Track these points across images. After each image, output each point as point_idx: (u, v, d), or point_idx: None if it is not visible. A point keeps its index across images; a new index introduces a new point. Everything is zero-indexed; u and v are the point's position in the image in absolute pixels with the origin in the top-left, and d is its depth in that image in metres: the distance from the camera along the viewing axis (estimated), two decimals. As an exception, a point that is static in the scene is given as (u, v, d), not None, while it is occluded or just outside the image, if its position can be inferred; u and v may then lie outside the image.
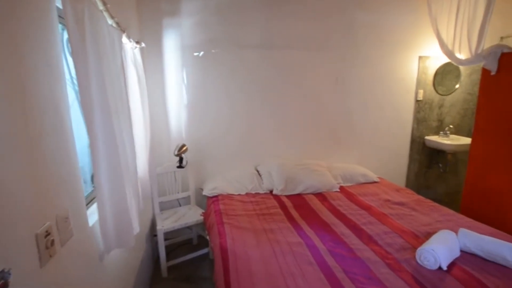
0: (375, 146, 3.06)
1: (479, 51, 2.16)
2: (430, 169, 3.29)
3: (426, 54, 2.95)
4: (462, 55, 2.37)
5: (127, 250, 1.54)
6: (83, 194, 1.02)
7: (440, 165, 3.26)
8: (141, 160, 1.78)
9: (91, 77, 0.94)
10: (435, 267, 1.35)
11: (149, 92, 2.33)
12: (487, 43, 2.19)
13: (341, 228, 1.80)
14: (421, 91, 3.03)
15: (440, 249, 1.37)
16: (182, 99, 2.49)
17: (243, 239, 1.66)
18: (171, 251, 2.46)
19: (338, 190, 2.46)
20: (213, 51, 2.45)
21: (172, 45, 2.38)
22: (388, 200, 2.21)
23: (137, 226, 1.29)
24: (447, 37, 2.47)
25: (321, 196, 2.33)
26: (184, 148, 2.25)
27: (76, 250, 0.92)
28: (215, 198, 2.27)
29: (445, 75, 3.05)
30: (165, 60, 2.38)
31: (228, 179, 2.49)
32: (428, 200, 2.22)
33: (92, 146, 0.96)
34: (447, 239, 1.46)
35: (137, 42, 1.82)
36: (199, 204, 2.54)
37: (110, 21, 1.26)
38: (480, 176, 2.29)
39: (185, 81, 2.46)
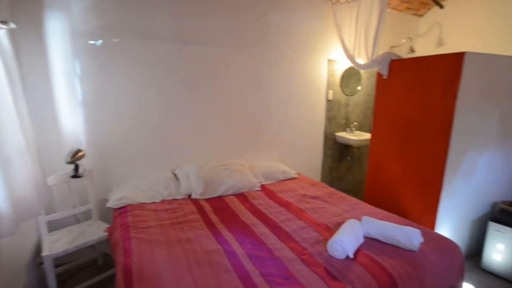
0: (293, 143, 3.20)
1: (374, 57, 2.45)
2: (340, 162, 3.63)
3: (333, 58, 3.22)
4: (361, 60, 2.64)
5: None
6: None
7: (348, 158, 3.64)
8: (17, 172, 1.39)
9: None
10: (344, 256, 1.43)
11: (28, 86, 1.88)
12: (382, 51, 2.49)
13: (260, 228, 1.77)
14: (331, 92, 3.30)
15: (347, 239, 1.46)
16: (75, 95, 2.09)
17: (153, 255, 1.47)
18: (70, 277, 2.06)
19: (260, 189, 2.46)
20: (114, 40, 2.13)
21: (59, 29, 1.96)
22: (305, 195, 2.31)
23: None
24: (349, 43, 2.73)
25: (242, 196, 2.28)
26: (80, 154, 1.88)
27: None
28: (122, 210, 1.98)
29: (350, 77, 3.40)
30: (50, 47, 1.95)
31: (139, 186, 2.21)
32: (339, 192, 2.41)
33: None
34: (353, 228, 1.57)
35: (3, 22, 1.42)
36: (104, 218, 2.18)
37: None
38: (378, 167, 2.61)
39: (79, 74, 2.07)
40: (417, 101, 2.19)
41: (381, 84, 2.50)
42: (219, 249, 1.53)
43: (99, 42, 2.10)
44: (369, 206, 2.13)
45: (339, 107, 3.44)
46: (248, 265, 1.40)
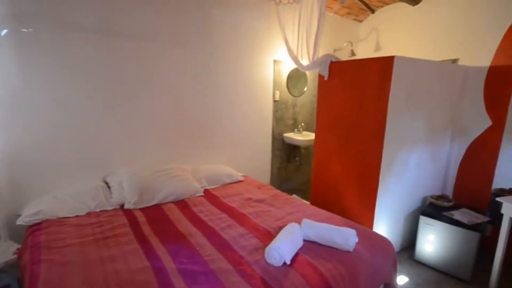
0: (241, 145, 3.12)
1: (315, 58, 2.48)
2: (289, 163, 3.65)
3: (279, 58, 3.22)
4: (305, 61, 2.66)
5: None
6: None
7: (297, 158, 3.68)
8: None
9: None
10: (281, 263, 1.38)
11: None
12: (326, 53, 2.51)
13: (198, 238, 1.64)
14: (277, 92, 3.30)
15: (284, 244, 1.41)
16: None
17: (65, 281, 1.25)
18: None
19: (202, 194, 2.33)
20: (24, 30, 1.83)
21: None
22: (250, 199, 2.24)
23: None
24: (293, 44, 2.73)
25: (182, 203, 2.13)
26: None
27: None
28: (36, 227, 1.70)
29: (296, 78, 3.44)
30: None
31: (61, 198, 1.93)
32: (284, 194, 2.39)
33: None
34: (292, 233, 1.53)
35: None
36: (17, 238, 1.86)
37: None
38: (322, 167, 2.65)
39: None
40: (355, 102, 2.25)
41: (323, 85, 2.54)
42: (147, 266, 1.37)
43: (4, 32, 1.78)
44: (312, 207, 2.13)
45: (286, 108, 3.45)
46: (178, 282, 1.27)
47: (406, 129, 2.20)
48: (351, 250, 1.51)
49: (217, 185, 2.53)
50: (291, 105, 3.49)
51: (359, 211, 2.30)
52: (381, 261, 1.58)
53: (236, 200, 2.22)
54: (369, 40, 3.75)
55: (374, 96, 2.10)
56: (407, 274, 2.16)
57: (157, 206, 2.06)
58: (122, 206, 2.03)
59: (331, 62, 2.42)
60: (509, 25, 2.24)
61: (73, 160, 2.13)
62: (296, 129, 3.52)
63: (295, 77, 3.42)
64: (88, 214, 1.90)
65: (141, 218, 1.87)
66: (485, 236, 2.33)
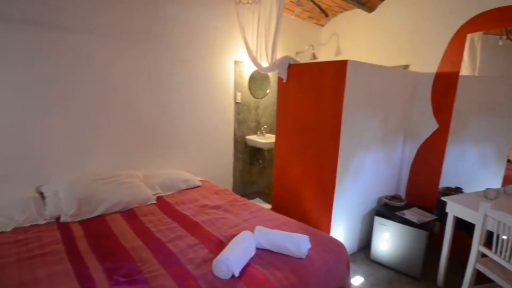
0: (201, 148, 2.99)
1: (273, 60, 2.44)
2: (252, 165, 3.59)
3: (240, 59, 3.15)
4: (264, 63, 2.62)
5: None
6: None
7: (260, 161, 3.63)
8: None
9: None
10: (229, 276, 1.29)
11: None
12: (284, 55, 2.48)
13: (141, 252, 1.50)
14: (239, 94, 3.22)
15: (233, 255, 1.33)
16: None
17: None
18: None
19: (155, 202, 2.17)
20: None
21: None
22: (206, 205, 2.13)
23: None
24: (252, 45, 2.68)
25: (130, 213, 1.96)
26: None
27: None
28: None
29: (258, 80, 3.39)
30: None
31: (-18, 212, 1.67)
32: (242, 199, 2.31)
33: None
34: (243, 242, 1.46)
35: None
36: None
37: None
38: (282, 170, 2.61)
39: None
40: (312, 105, 2.25)
41: (282, 87, 2.51)
42: (76, 289, 1.21)
43: None
44: (270, 212, 2.08)
45: (248, 110, 3.39)
46: (110, 306, 1.13)
47: (362, 131, 2.23)
48: (304, 256, 1.46)
49: (172, 192, 2.38)
50: (253, 107, 3.43)
51: (317, 214, 2.29)
52: (334, 265, 1.56)
53: (191, 207, 2.09)
54: (330, 44, 3.82)
55: (330, 99, 2.10)
56: (362, 274, 2.18)
57: (100, 218, 1.87)
58: (58, 219, 1.81)
59: (289, 65, 2.39)
60: (453, 33, 2.38)
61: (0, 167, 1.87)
62: (259, 132, 3.47)
63: (259, 79, 3.37)
64: (14, 230, 1.66)
65: (78, 232, 1.68)
66: (433, 233, 2.44)
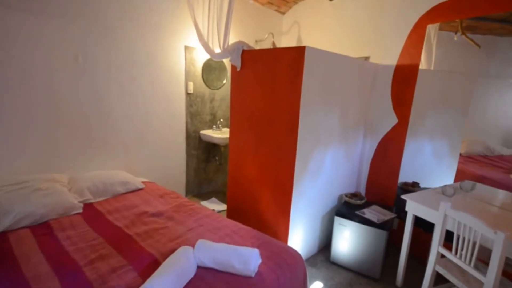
0: (146, 144, 2.63)
1: (225, 46, 2.16)
2: (208, 163, 3.31)
3: (192, 45, 2.81)
4: (217, 49, 2.33)
5: None
6: None
7: (217, 158, 3.35)
8: None
9: None
10: (156, 309, 1.02)
11: None
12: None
13: (46, 282, 1.16)
14: (191, 84, 2.89)
15: (163, 282, 1.06)
16: None
17: None
18: None
19: (81, 211, 1.80)
20: None
21: None
22: (145, 213, 1.82)
23: None
24: (203, 29, 2.37)
25: (44, 228, 1.58)
26: None
27: None
28: None
29: (214, 69, 3.09)
30: None
31: None
32: (190, 202, 2.03)
33: None
34: (179, 261, 1.19)
35: None
36: None
37: None
38: (237, 167, 2.37)
39: None
40: (268, 96, 2.02)
41: (235, 76, 2.25)
42: None
43: None
44: (220, 218, 1.83)
45: (203, 102, 3.08)
46: None
47: (321, 125, 2.06)
48: (252, 275, 1.24)
49: (105, 197, 2.02)
50: (208, 99, 3.13)
51: (274, 216, 2.10)
52: (288, 281, 1.37)
53: (126, 216, 1.77)
54: (292, 34, 3.63)
55: (287, 90, 1.89)
56: (322, 279, 2.04)
57: (3, 235, 1.47)
58: None
59: (243, 51, 2.14)
60: (413, 24, 2.29)
61: None
62: (214, 126, 3.18)
63: (214, 68, 3.07)
64: None
65: (-38, 258, 1.28)
66: (392, 229, 2.39)
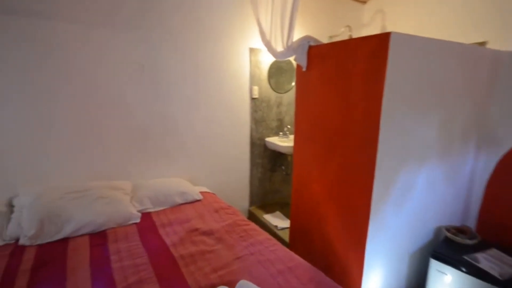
0: (207, 152, 2.56)
1: (289, 43, 1.87)
2: (274, 172, 3.06)
3: (257, 47, 2.62)
4: (280, 47, 2.06)
5: None
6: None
7: (283, 167, 3.08)
8: None
9: None
10: None
11: None
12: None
13: (82, 305, 1.10)
14: (256, 88, 2.70)
15: None
16: None
17: None
18: None
19: (138, 221, 1.78)
20: None
21: None
22: (196, 230, 1.68)
23: None
24: (266, 26, 2.14)
25: (101, 237, 1.59)
26: None
27: None
28: None
29: (280, 71, 2.83)
30: None
31: None
32: (246, 221, 1.81)
33: None
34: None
35: None
36: None
37: None
38: (302, 183, 2.05)
39: None
40: (339, 99, 1.64)
41: (301, 77, 1.93)
42: None
43: None
44: (275, 247, 1.54)
45: (268, 107, 2.85)
46: None
47: (411, 137, 1.56)
48: None
49: (164, 207, 1.99)
50: (274, 104, 2.89)
51: (344, 246, 1.69)
52: None
53: (177, 232, 1.66)
54: (374, 25, 3.09)
55: (364, 91, 1.48)
56: None
57: (63, 242, 1.53)
58: (17, 240, 1.52)
59: (310, 47, 1.81)
60: None
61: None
62: (281, 133, 2.92)
63: (280, 70, 2.82)
64: (-35, 253, 1.40)
65: (27, 263, 1.35)
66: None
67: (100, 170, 2.02)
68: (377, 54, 1.38)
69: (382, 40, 1.35)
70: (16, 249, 1.45)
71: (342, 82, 1.60)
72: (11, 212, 1.67)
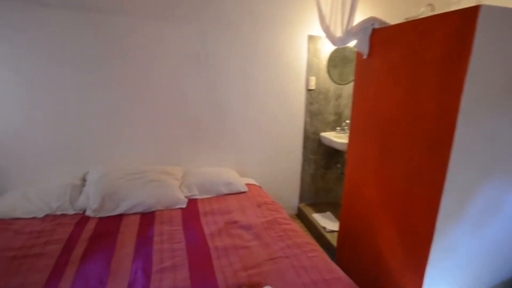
0: (258, 144, 2.51)
1: (349, 27, 1.65)
2: (328, 170, 2.85)
3: (317, 34, 2.42)
4: (339, 33, 1.85)
5: None
6: None
7: (338, 165, 2.84)
8: None
9: None
10: None
11: None
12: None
13: (117, 277, 1.19)
14: (313, 79, 2.52)
15: None
16: None
17: None
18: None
19: (184, 206, 1.86)
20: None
21: None
22: (235, 222, 1.67)
23: None
24: (326, 9, 1.94)
25: (149, 217, 1.71)
26: None
27: None
28: (-20, 228, 1.54)
29: (341, 60, 2.57)
30: None
31: (28, 195, 1.76)
32: (287, 220, 1.72)
33: None
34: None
35: None
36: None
37: None
38: (354, 186, 1.84)
39: None
40: (402, 92, 1.38)
41: (360, 67, 1.70)
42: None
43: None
44: (314, 253, 1.41)
45: (326, 99, 2.64)
46: None
47: (501, 143, 1.22)
48: None
49: (209, 195, 2.03)
50: (333, 96, 2.66)
51: (398, 264, 1.46)
52: None
53: (217, 222, 1.67)
54: (467, 3, 2.53)
55: (437, 83, 1.20)
56: None
57: (118, 218, 1.69)
58: (85, 211, 1.75)
59: (374, 31, 1.56)
60: None
61: (52, 151, 1.95)
62: (338, 128, 2.68)
63: (336, 58, 2.56)
64: (45, 217, 1.67)
65: (87, 232, 1.53)
66: None
67: (155, 155, 2.17)
68: (459, 34, 1.09)
69: (467, 16, 1.06)
70: (82, 219, 1.67)
71: (410, 71, 1.34)
72: (83, 185, 1.92)
